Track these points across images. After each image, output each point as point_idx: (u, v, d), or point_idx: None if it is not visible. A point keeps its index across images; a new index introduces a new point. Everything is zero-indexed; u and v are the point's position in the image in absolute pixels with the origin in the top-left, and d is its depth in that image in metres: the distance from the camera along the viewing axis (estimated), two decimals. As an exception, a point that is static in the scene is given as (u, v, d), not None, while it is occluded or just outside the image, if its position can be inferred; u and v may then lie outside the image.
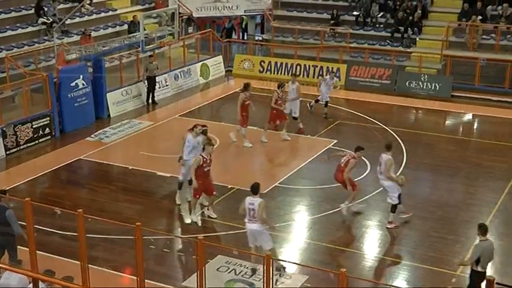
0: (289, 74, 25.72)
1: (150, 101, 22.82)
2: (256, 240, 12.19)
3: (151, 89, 22.77)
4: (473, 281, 10.75)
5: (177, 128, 20.40)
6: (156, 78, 22.94)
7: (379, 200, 15.57)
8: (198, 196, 14.36)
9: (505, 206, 15.33)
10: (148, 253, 12.24)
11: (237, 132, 18.92)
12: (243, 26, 33.12)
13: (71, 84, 20.14)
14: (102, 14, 26.57)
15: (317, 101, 21.61)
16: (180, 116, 21.88)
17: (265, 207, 12.17)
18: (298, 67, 26.05)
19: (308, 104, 21.58)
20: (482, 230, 10.83)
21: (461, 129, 21.71)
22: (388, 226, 14.19)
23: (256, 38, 32.20)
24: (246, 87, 18.59)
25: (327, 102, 21.32)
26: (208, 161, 14.03)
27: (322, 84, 21.33)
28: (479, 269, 10.59)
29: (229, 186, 16.07)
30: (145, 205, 15.32)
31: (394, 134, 19.74)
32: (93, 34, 24.63)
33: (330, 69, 25.08)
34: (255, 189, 12.15)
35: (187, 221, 14.51)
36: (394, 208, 14.13)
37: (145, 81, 22.58)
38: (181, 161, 15.04)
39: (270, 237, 12.33)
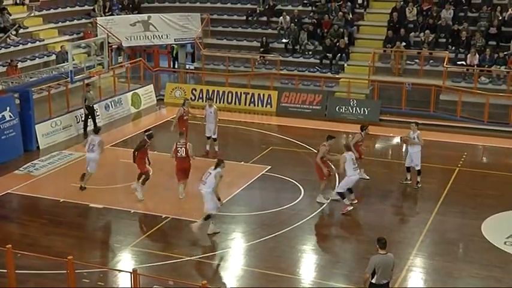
0: (221, 102, 25.98)
1: (92, 128, 22.57)
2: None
3: (91, 117, 22.56)
4: None
5: (109, 159, 20.12)
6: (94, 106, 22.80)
7: (314, 224, 15.76)
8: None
9: (435, 226, 15.75)
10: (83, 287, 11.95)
11: None
12: (174, 54, 33.16)
13: (-2, 117, 19.67)
14: (29, 45, 26.08)
15: None
16: (111, 146, 21.58)
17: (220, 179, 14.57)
18: (230, 94, 26.24)
19: None
20: (381, 243, 11.10)
21: (390, 152, 22.27)
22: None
23: (187, 66, 32.28)
24: (184, 102, 19.76)
25: None
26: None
27: None
28: (373, 281, 10.89)
29: (163, 216, 15.94)
30: (77, 238, 14.98)
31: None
32: (20, 65, 24.18)
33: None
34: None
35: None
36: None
37: (85, 110, 22.40)
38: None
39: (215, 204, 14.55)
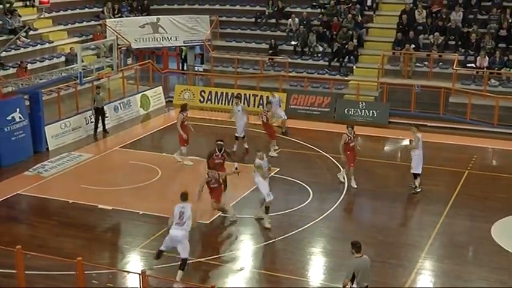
0: (230, 104, 26.04)
1: (102, 130, 22.64)
2: (174, 245, 13.04)
3: (101, 119, 22.64)
4: None
5: (118, 160, 20.22)
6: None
7: (323, 227, 15.75)
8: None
9: (444, 229, 15.70)
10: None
11: (180, 153, 19.36)
12: (183, 56, 33.22)
13: (7, 118, 19.73)
14: (39, 46, 26.21)
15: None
16: (120, 147, 21.66)
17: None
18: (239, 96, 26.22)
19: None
20: (356, 247, 11.11)
21: (399, 154, 22.20)
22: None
23: (196, 68, 32.32)
24: (184, 107, 19.65)
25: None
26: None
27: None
28: (354, 286, 10.88)
29: (173, 218, 15.95)
30: (87, 239, 15.03)
31: (334, 160, 19.98)
32: (30, 66, 24.29)
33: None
34: (184, 196, 13.29)
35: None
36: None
37: (93, 112, 22.46)
38: None
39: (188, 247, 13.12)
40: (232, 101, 26.02)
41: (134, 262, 14.16)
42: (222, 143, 16.79)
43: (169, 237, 13.12)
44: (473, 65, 25.60)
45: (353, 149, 18.12)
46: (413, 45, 26.61)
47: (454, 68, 25.25)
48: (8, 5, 26.04)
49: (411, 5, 28.15)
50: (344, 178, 18.36)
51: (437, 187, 18.22)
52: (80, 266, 11.05)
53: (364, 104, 24.96)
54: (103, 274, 13.16)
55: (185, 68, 32.76)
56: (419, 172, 17.74)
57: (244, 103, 26.02)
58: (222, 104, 26.60)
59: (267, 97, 23.37)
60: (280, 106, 23.35)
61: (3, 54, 23.80)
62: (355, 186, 18.00)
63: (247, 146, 20.92)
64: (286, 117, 23.14)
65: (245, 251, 14.72)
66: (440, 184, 18.46)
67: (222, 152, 16.69)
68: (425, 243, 14.86)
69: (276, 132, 21.21)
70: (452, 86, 24.98)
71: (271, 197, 15.54)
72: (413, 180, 17.78)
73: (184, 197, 13.30)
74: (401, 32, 27.17)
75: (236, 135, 20.81)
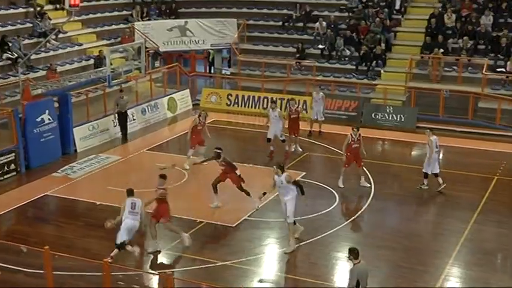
0: (257, 107, 26.06)
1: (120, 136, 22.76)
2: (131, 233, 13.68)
3: (122, 124, 22.70)
4: None
5: (145, 162, 20.33)
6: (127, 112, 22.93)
7: (350, 232, 15.66)
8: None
9: (472, 235, 15.51)
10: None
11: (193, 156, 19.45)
12: (210, 59, 33.34)
13: (37, 120, 19.96)
14: (68, 49, 26.50)
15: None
16: (147, 150, 21.79)
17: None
18: (266, 100, 26.22)
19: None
20: (354, 253, 11.04)
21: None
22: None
23: (223, 71, 32.41)
24: (200, 114, 19.75)
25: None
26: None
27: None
28: None
29: (198, 220, 15.99)
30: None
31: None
32: (59, 69, 24.56)
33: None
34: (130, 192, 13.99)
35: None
36: None
37: (116, 117, 22.54)
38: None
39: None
40: (259, 105, 26.12)
41: (160, 264, 14.20)
42: (219, 151, 16.32)
43: (126, 227, 13.64)
44: (503, 69, 25.31)
45: (355, 150, 18.14)
46: (442, 50, 26.37)
47: (484, 72, 24.98)
48: (38, 8, 26.41)
49: (440, 8, 27.92)
50: (370, 183, 18.26)
51: (465, 193, 18.01)
52: (107, 267, 11.11)
53: (391, 108, 24.80)
54: (129, 275, 13.23)
55: (212, 71, 32.86)
56: (430, 172, 17.93)
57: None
58: (249, 107, 26.62)
59: (313, 93, 23.73)
60: (323, 105, 23.51)
61: (34, 56, 24.10)
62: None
63: (287, 149, 20.97)
64: (324, 119, 23.37)
65: (270, 254, 14.69)
66: (468, 190, 18.25)
67: (221, 159, 16.34)
68: (452, 249, 14.69)
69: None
70: (481, 91, 24.72)
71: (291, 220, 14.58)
72: (423, 179, 18.05)
73: (130, 193, 13.99)
74: (430, 36, 26.94)
75: (268, 137, 20.73)
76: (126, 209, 13.73)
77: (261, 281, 13.29)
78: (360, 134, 18.27)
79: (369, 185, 18.15)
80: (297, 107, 21.88)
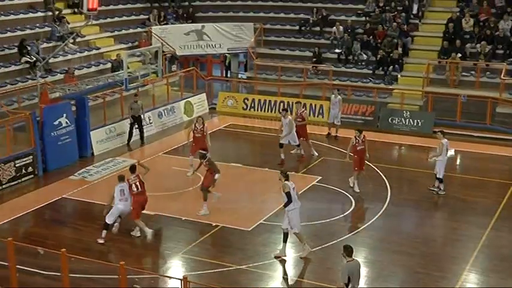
0: (273, 111, 26.04)
1: (139, 138, 22.80)
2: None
3: (138, 127, 22.74)
4: None
5: (161, 166, 20.38)
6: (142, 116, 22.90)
7: (366, 237, 15.59)
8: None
9: (489, 241, 15.38)
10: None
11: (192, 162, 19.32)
12: (227, 63, 33.40)
13: (54, 123, 20.11)
14: (86, 53, 26.68)
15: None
16: (164, 153, 21.85)
17: None
18: (282, 104, 26.19)
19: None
20: (348, 251, 11.02)
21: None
22: None
23: (240, 75, 32.44)
24: (197, 119, 19.73)
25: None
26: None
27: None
28: None
29: (214, 224, 16.01)
30: (130, 244, 15.18)
31: (377, 170, 19.83)
32: (77, 73, 24.71)
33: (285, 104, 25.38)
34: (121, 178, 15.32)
35: None
36: None
37: (130, 120, 22.59)
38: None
39: None
40: (276, 109, 26.09)
41: (176, 267, 14.25)
42: (204, 152, 17.11)
43: (116, 211, 15.00)
44: (521, 74, 25.14)
45: (360, 152, 18.17)
46: (459, 54, 26.22)
47: (502, 77, 24.80)
48: (57, 13, 26.62)
49: (458, 13, 27.77)
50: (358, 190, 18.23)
51: (482, 198, 17.88)
52: (123, 270, 11.14)
53: (408, 113, 24.69)
54: (145, 279, 13.27)
55: (229, 75, 32.91)
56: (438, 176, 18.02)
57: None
58: (265, 111, 26.63)
59: (332, 96, 23.83)
60: (339, 109, 23.53)
61: (52, 60, 24.29)
62: (358, 191, 18.10)
63: (303, 153, 20.96)
64: (340, 123, 23.41)
65: (286, 259, 14.66)
66: (486, 196, 18.11)
67: (205, 160, 16.62)
68: (470, 255, 14.59)
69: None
70: (499, 96, 24.54)
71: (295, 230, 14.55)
72: (439, 184, 18.02)
73: (121, 179, 15.31)
74: (447, 41, 26.81)
75: (281, 142, 20.67)
76: (116, 197, 15.06)
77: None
78: (364, 136, 18.33)
79: (358, 191, 18.10)
80: (303, 111, 21.73)
